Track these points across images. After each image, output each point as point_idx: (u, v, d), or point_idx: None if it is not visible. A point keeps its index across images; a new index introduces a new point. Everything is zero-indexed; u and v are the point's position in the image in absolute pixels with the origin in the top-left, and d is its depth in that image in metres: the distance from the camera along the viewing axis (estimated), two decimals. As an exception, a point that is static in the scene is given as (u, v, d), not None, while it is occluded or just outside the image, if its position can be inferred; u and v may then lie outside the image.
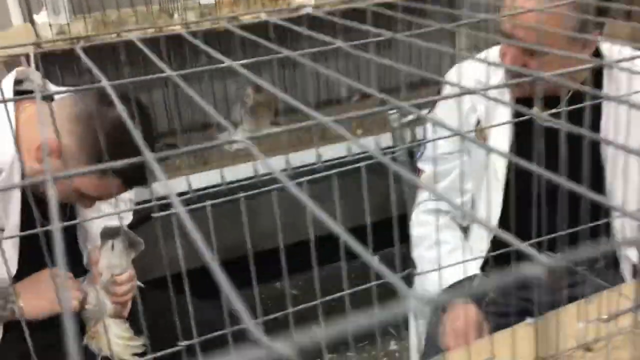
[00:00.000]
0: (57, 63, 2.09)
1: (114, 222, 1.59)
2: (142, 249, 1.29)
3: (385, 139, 2.10)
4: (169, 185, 0.32)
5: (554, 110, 1.05)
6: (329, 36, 0.61)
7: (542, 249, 0.95)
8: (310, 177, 0.70)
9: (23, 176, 1.24)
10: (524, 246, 0.34)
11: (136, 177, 1.21)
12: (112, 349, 1.27)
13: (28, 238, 1.28)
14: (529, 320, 1.00)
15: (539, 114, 0.54)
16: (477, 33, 2.54)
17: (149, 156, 0.37)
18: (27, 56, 1.60)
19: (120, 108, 0.46)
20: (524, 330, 0.99)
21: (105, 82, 0.48)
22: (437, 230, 1.38)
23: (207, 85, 2.33)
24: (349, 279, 3.05)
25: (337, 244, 0.39)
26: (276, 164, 2.04)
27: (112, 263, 1.30)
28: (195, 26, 1.91)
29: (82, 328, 1.31)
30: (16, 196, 1.23)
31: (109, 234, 1.28)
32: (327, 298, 0.80)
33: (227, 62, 0.52)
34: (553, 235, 0.91)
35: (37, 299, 1.26)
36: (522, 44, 1.25)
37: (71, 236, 1.44)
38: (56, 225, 0.30)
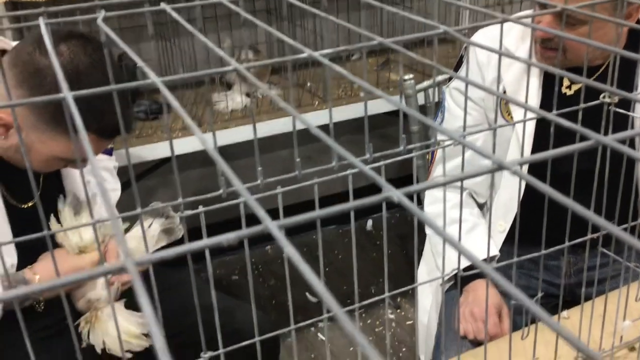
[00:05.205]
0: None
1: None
2: (176, 239, 1.16)
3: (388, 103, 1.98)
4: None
5: (585, 81, 0.94)
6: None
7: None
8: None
9: None
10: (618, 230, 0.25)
11: (109, 126, 1.07)
12: (105, 340, 1.17)
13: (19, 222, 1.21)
14: (564, 313, 0.91)
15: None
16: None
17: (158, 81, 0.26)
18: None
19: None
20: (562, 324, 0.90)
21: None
22: (453, 207, 1.28)
23: (200, 40, 2.19)
24: (342, 243, 2.94)
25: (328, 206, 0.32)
26: (278, 127, 1.93)
27: (140, 248, 1.18)
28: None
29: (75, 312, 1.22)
30: None
31: (154, 211, 1.16)
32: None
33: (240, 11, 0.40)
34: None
35: (53, 276, 1.17)
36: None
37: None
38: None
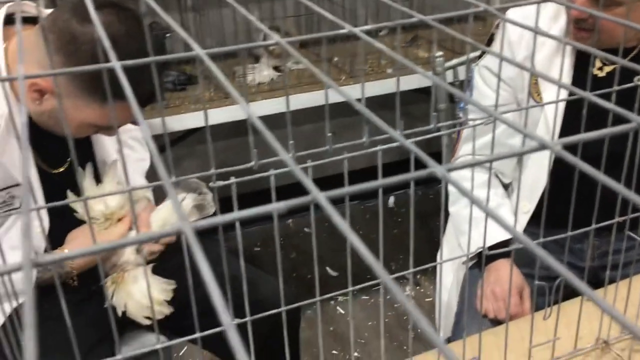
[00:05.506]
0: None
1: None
2: (207, 216, 1.17)
3: (416, 79, 1.97)
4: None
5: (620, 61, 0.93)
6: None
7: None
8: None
9: (30, 120, 1.15)
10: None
11: (143, 95, 1.06)
12: (127, 303, 1.19)
13: (52, 189, 1.23)
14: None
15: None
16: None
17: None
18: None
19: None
20: (585, 307, 0.91)
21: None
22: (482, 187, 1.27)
23: (229, 11, 2.19)
24: (363, 219, 2.95)
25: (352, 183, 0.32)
26: (304, 101, 1.93)
27: (170, 221, 1.20)
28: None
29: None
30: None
31: (187, 187, 1.17)
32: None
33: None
34: None
35: (81, 244, 1.21)
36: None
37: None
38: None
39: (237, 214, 0.22)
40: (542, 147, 0.25)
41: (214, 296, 0.18)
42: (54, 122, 1.14)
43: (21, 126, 0.25)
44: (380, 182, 0.26)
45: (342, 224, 0.21)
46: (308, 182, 0.23)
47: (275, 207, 0.22)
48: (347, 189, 0.24)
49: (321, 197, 0.22)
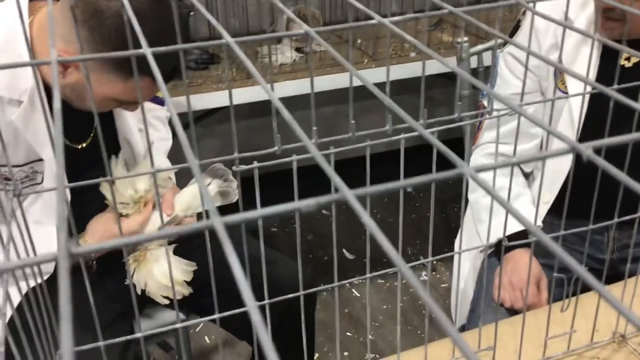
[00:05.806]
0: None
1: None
2: (230, 203, 1.18)
3: (439, 64, 1.95)
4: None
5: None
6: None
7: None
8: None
9: (51, 98, 1.15)
10: None
11: (165, 71, 1.07)
12: (147, 282, 1.20)
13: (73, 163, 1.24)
14: (606, 288, 0.91)
15: None
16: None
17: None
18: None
19: None
20: (602, 300, 0.90)
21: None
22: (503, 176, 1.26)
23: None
24: (381, 203, 2.95)
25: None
26: (326, 84, 1.93)
27: (193, 204, 1.21)
28: None
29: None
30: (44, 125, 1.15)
31: (213, 173, 1.18)
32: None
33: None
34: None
35: (102, 235, 1.22)
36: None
37: (114, 149, 1.35)
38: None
39: (262, 211, 0.22)
40: (572, 150, 0.25)
41: (242, 287, 0.18)
42: (76, 95, 1.14)
43: (56, 112, 0.25)
44: (403, 182, 0.26)
45: (370, 223, 0.21)
46: (336, 178, 0.23)
47: (304, 204, 0.22)
48: (371, 189, 0.24)
49: (350, 195, 0.22)
